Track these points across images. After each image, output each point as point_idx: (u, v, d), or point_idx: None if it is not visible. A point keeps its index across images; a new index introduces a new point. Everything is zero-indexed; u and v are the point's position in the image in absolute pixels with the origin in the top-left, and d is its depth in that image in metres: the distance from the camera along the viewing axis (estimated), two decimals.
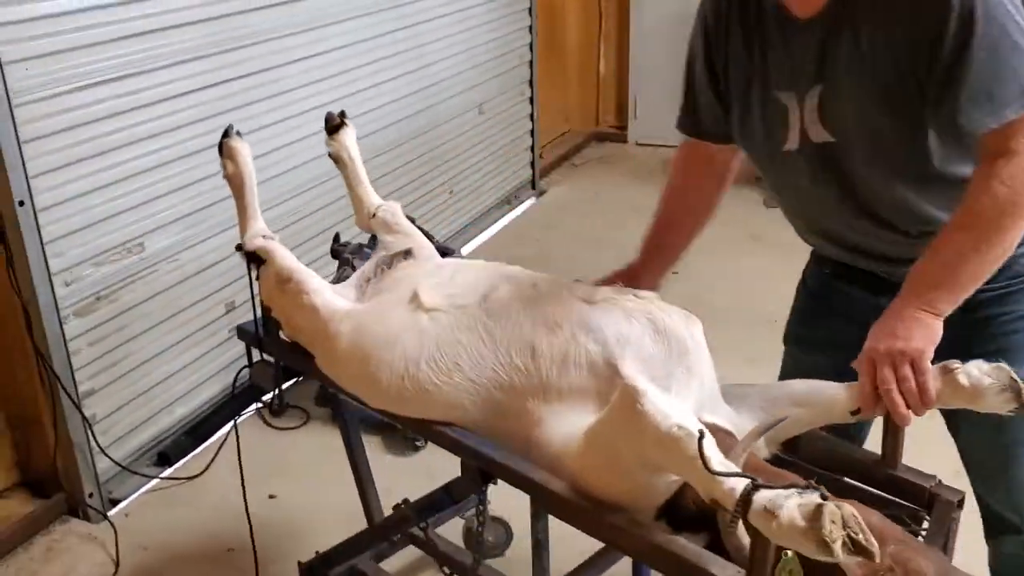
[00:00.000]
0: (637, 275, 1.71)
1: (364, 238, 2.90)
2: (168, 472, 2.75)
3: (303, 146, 3.18)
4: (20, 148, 2.23)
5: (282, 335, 1.81)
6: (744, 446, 1.23)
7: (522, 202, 4.88)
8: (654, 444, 1.12)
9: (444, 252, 2.64)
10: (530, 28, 4.68)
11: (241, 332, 1.96)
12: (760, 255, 3.98)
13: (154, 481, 2.70)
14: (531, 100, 4.84)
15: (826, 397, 1.44)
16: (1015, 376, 1.31)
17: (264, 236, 1.83)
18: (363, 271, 1.84)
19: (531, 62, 4.75)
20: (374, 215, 1.96)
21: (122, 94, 2.50)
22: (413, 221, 2.03)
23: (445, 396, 1.46)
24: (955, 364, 1.34)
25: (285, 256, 1.77)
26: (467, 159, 4.34)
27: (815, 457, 1.45)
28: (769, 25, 1.48)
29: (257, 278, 1.82)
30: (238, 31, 2.84)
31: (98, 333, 2.54)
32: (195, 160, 2.73)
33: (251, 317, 1.89)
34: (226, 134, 1.89)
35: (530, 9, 4.64)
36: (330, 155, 2.01)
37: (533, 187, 5.00)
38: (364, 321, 1.61)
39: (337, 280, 2.66)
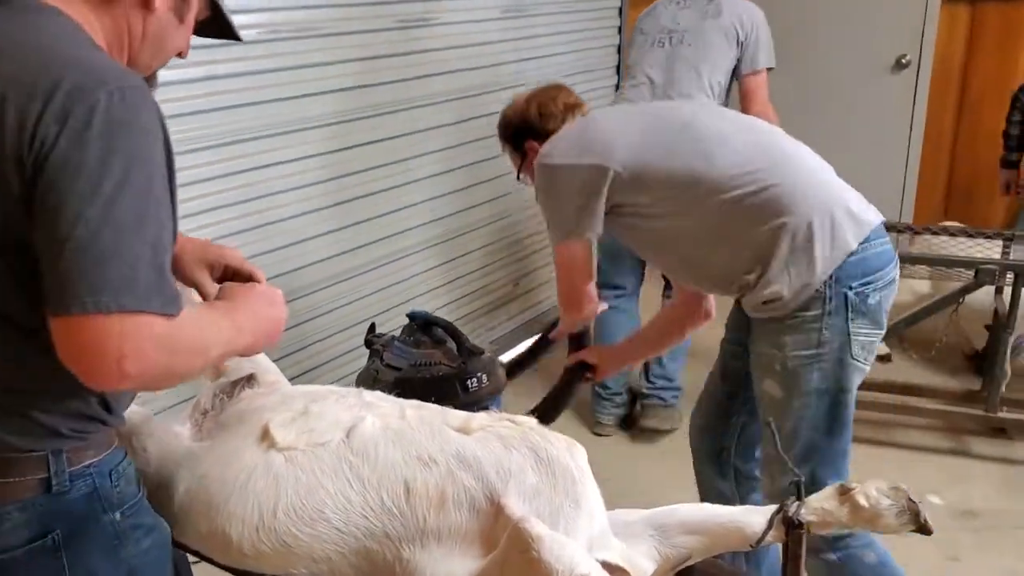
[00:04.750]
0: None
1: (399, 330, 2.81)
2: None
3: (355, 231, 3.18)
4: None
5: None
6: None
7: None
8: None
9: (472, 352, 2.47)
10: None
11: None
12: None
13: None
14: None
15: (723, 525, 1.38)
16: (912, 498, 1.32)
17: None
18: (198, 402, 1.58)
19: None
20: None
21: None
22: None
23: (308, 549, 1.29)
24: (852, 484, 1.32)
25: None
26: (541, 256, 4.26)
27: None
28: None
29: None
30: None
31: None
32: None
33: None
34: None
35: None
36: None
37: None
38: (205, 465, 1.39)
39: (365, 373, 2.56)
